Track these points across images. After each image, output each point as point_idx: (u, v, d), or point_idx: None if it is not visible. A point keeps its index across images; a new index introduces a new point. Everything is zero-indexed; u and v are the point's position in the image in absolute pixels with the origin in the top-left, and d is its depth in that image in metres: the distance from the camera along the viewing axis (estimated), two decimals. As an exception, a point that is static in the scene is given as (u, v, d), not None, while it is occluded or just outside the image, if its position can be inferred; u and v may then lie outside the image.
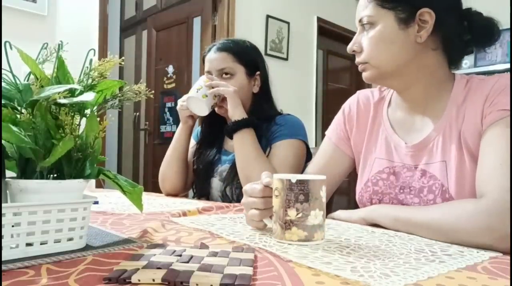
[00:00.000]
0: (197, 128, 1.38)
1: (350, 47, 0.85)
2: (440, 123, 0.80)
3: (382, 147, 0.89)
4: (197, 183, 1.30)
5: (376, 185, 0.88)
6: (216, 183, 1.25)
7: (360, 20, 0.82)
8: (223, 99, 1.16)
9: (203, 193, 1.28)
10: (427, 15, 0.77)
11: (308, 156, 1.22)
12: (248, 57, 1.24)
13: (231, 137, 1.15)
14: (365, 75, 0.84)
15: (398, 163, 0.85)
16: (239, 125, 1.12)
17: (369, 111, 0.95)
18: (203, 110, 1.16)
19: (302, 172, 1.19)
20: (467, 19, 0.81)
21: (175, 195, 1.29)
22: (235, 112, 1.12)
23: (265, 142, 1.18)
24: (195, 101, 1.15)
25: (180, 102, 1.21)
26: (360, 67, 0.85)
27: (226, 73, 1.21)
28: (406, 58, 0.79)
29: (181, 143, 1.26)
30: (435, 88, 0.83)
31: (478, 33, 0.80)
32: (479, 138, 0.74)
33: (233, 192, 1.19)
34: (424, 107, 0.84)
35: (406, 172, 0.84)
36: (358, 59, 0.84)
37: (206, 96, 1.13)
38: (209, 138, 1.31)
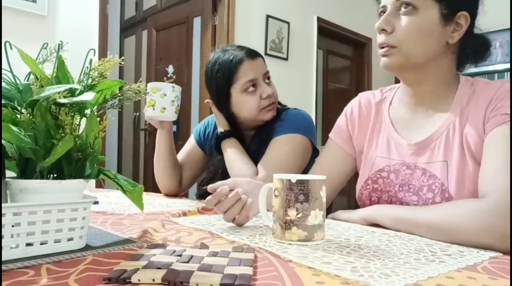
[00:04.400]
0: (199, 128, 1.37)
1: (380, 25, 0.79)
2: (444, 124, 0.81)
3: (383, 145, 0.90)
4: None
5: (376, 183, 0.88)
6: None
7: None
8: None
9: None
10: (463, 19, 0.78)
11: (315, 152, 1.19)
12: None
13: (221, 153, 1.17)
14: (387, 61, 0.80)
15: (398, 161, 0.86)
16: (220, 138, 1.16)
17: (370, 111, 0.96)
18: (169, 118, 1.12)
19: (307, 168, 1.17)
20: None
21: (174, 195, 1.29)
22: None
23: (269, 140, 1.16)
24: (159, 117, 1.12)
25: (145, 113, 1.14)
26: (383, 51, 0.80)
27: (268, 78, 1.19)
28: (434, 54, 0.79)
29: (164, 145, 1.23)
30: (442, 88, 0.83)
31: (478, 49, 0.83)
32: (480, 142, 0.74)
33: None
34: (429, 105, 0.85)
35: (405, 170, 0.84)
36: (386, 40, 0.79)
37: (165, 108, 1.08)
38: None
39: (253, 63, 1.14)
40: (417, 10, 0.77)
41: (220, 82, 1.15)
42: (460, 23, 0.79)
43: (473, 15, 0.80)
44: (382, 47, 0.81)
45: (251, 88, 1.13)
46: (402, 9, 0.78)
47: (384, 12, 0.81)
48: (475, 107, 0.77)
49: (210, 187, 0.74)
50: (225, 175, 1.19)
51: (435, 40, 0.78)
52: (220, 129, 1.18)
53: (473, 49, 0.83)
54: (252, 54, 1.16)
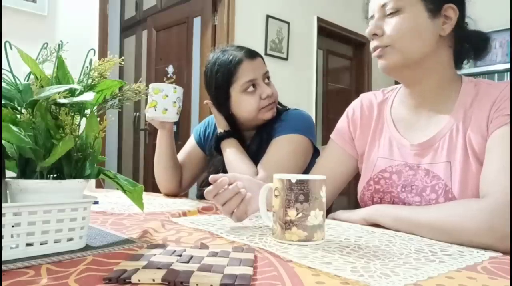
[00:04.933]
0: (199, 128, 1.37)
1: (371, 30, 0.81)
2: (447, 124, 0.81)
3: (385, 146, 0.90)
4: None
5: (378, 183, 0.88)
6: None
7: (384, 5, 0.80)
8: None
9: None
10: (451, 11, 0.79)
11: (315, 153, 1.19)
12: None
13: (221, 154, 1.17)
14: (385, 63, 0.81)
15: (400, 161, 0.86)
16: (219, 139, 1.16)
17: (372, 112, 0.96)
18: (171, 119, 1.12)
19: (308, 168, 1.17)
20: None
21: (174, 195, 1.29)
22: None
23: (270, 140, 1.15)
24: (160, 118, 1.11)
25: (146, 113, 1.14)
26: (378, 52, 0.81)
27: (268, 78, 1.18)
28: (429, 48, 0.80)
29: (164, 145, 1.22)
30: (444, 87, 0.84)
31: (477, 44, 0.83)
32: (484, 143, 0.74)
33: None
34: (431, 105, 0.85)
35: (408, 171, 0.84)
36: (378, 43, 0.81)
37: (167, 109, 1.08)
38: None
39: (252, 64, 1.14)
40: (402, 11, 0.78)
41: (219, 82, 1.15)
42: (448, 16, 0.80)
43: (461, 6, 0.81)
44: (375, 50, 0.82)
45: (251, 89, 1.13)
46: (389, 13, 0.80)
47: None
48: (479, 108, 0.77)
49: (211, 178, 0.73)
50: None
51: (428, 34, 0.79)
52: (220, 130, 1.18)
53: (470, 43, 0.83)
54: (251, 54, 1.16)
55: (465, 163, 0.76)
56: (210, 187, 0.72)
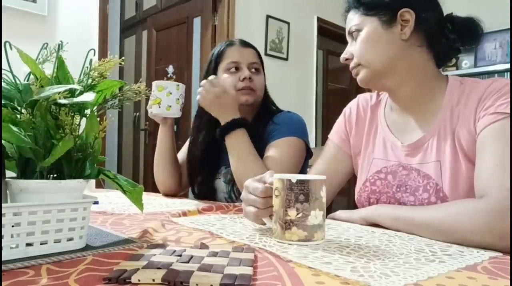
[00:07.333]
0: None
1: (342, 56, 0.89)
2: (435, 125, 0.82)
3: (379, 147, 0.91)
4: (200, 185, 1.28)
5: (374, 184, 0.89)
6: (221, 185, 1.24)
7: (349, 31, 0.88)
8: None
9: (207, 195, 1.25)
10: (407, 14, 0.81)
11: (308, 154, 1.21)
12: (262, 59, 1.29)
13: (223, 140, 1.10)
14: (359, 78, 0.87)
15: (394, 162, 0.87)
16: (231, 126, 1.07)
17: (366, 114, 0.97)
18: (175, 115, 1.16)
19: (301, 170, 1.18)
20: (450, 22, 0.84)
21: (173, 195, 1.29)
22: (221, 115, 1.08)
23: (261, 143, 1.15)
24: (164, 115, 1.16)
25: (149, 110, 1.16)
26: (354, 72, 0.88)
27: (256, 69, 1.23)
28: (393, 55, 0.82)
29: (165, 141, 1.25)
30: (426, 87, 0.84)
31: (462, 31, 0.83)
32: (472, 140, 0.75)
33: (239, 193, 1.17)
34: (418, 107, 0.86)
35: (402, 171, 0.85)
36: (351, 65, 0.88)
37: (170, 106, 1.12)
38: (211, 141, 1.23)
39: (241, 49, 1.23)
40: (361, 30, 0.85)
41: (212, 60, 1.24)
42: (406, 19, 0.81)
43: (417, 4, 0.81)
44: (352, 71, 0.88)
45: (233, 70, 1.20)
46: (354, 36, 0.87)
47: None
48: (465, 106, 0.78)
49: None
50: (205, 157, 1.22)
51: (385, 43, 0.82)
52: (226, 118, 1.09)
53: (442, 36, 0.83)
54: (244, 43, 1.25)
55: (455, 161, 0.77)
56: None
